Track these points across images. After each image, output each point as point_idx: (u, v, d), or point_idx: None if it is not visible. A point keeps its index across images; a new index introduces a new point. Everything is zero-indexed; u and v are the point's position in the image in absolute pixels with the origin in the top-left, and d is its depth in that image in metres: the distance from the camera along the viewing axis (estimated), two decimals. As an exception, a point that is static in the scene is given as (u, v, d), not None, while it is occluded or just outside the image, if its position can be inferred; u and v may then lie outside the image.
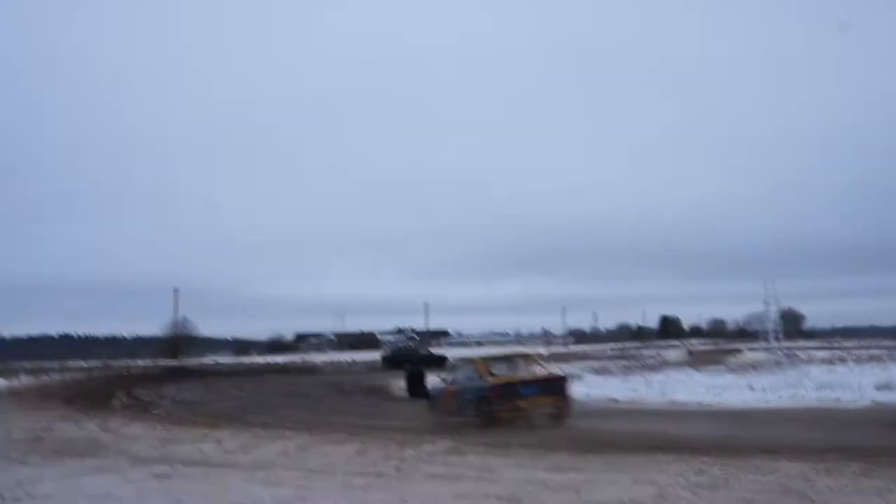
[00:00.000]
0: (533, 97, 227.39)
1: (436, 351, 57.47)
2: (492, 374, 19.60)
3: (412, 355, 61.49)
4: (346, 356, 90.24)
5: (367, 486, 11.13)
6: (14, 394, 30.78)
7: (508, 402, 18.46)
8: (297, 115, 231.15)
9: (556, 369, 23.88)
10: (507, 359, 22.69)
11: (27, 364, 46.51)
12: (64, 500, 10.43)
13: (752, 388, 26.76)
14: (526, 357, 23.59)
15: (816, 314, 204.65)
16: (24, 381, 36.90)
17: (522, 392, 18.82)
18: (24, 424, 20.41)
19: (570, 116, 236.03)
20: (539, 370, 21.50)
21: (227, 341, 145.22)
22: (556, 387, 19.70)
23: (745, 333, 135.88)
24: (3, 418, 22.59)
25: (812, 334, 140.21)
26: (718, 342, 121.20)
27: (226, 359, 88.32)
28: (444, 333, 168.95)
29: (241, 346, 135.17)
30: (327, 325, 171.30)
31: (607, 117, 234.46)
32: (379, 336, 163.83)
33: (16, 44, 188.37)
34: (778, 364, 41.58)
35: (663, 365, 50.08)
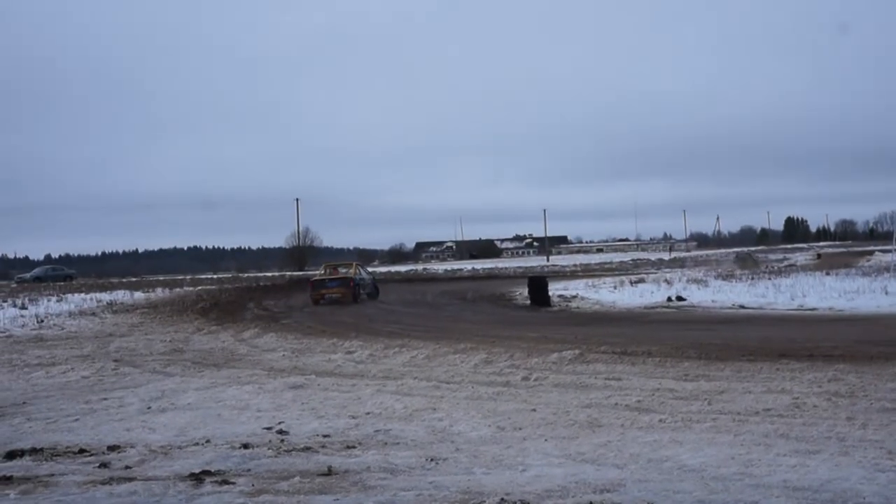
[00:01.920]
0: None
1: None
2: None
3: None
4: (467, 264, 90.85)
5: (496, 396, 11.25)
6: (151, 306, 32.06)
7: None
8: (415, 25, 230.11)
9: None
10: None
11: (161, 277, 48.14)
12: (207, 411, 10.86)
13: (886, 293, 25.82)
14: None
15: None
16: (160, 294, 38.39)
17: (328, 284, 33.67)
18: (163, 337, 21.31)
19: (695, 15, 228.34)
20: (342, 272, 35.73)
21: (350, 251, 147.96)
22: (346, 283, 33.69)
23: (876, 234, 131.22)
24: (143, 331, 23.61)
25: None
26: (848, 244, 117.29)
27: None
28: (564, 239, 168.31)
29: (364, 256, 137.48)
30: (447, 234, 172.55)
31: (733, 15, 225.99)
32: (498, 243, 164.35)
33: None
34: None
35: (791, 269, 48.84)
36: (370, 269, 48.21)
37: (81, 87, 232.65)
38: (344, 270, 36.33)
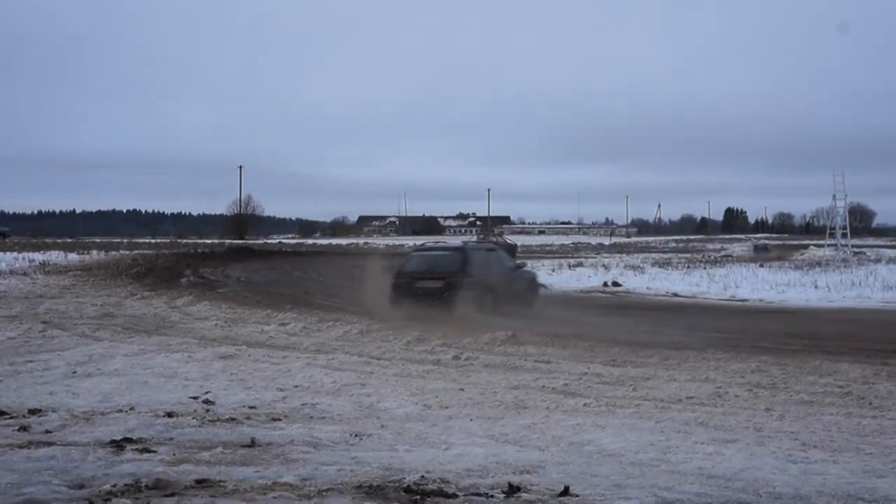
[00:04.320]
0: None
1: (509, 239, 56.67)
2: None
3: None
4: (408, 240, 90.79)
5: (426, 374, 11.31)
6: (85, 269, 31.50)
7: None
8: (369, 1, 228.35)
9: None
10: None
11: (98, 239, 47.36)
12: (133, 378, 10.76)
13: (816, 287, 26.47)
14: None
15: (887, 211, 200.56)
16: (95, 256, 37.76)
17: None
18: (95, 301, 20.97)
19: (645, 7, 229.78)
20: None
21: (292, 221, 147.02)
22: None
23: (811, 229, 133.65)
24: (75, 293, 23.23)
25: (882, 232, 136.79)
26: (784, 237, 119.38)
27: (290, 239, 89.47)
28: (506, 220, 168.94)
29: (306, 227, 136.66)
30: (390, 209, 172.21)
31: (681, 7, 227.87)
32: (441, 221, 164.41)
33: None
34: (844, 262, 40.94)
35: (726, 260, 49.62)
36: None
37: (27, 43, 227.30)
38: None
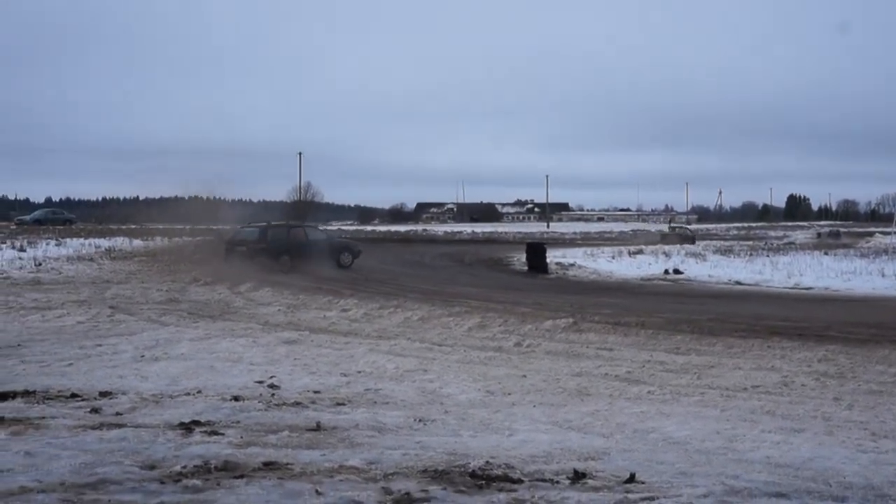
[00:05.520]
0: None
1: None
2: None
3: None
4: (467, 227, 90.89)
5: (488, 360, 11.32)
6: (150, 255, 32.11)
7: None
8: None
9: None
10: None
11: (160, 225, 48.14)
12: (200, 362, 10.94)
13: (883, 275, 25.89)
14: None
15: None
16: (159, 242, 38.40)
17: None
18: (160, 286, 21.36)
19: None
20: None
21: (351, 208, 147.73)
22: None
23: (877, 216, 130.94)
24: (140, 279, 23.67)
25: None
26: (849, 224, 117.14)
27: (349, 226, 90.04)
28: (565, 207, 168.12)
29: (365, 214, 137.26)
30: (449, 195, 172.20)
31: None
32: (499, 207, 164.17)
33: None
34: (913, 250, 40.01)
35: (790, 247, 48.87)
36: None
37: (88, 33, 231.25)
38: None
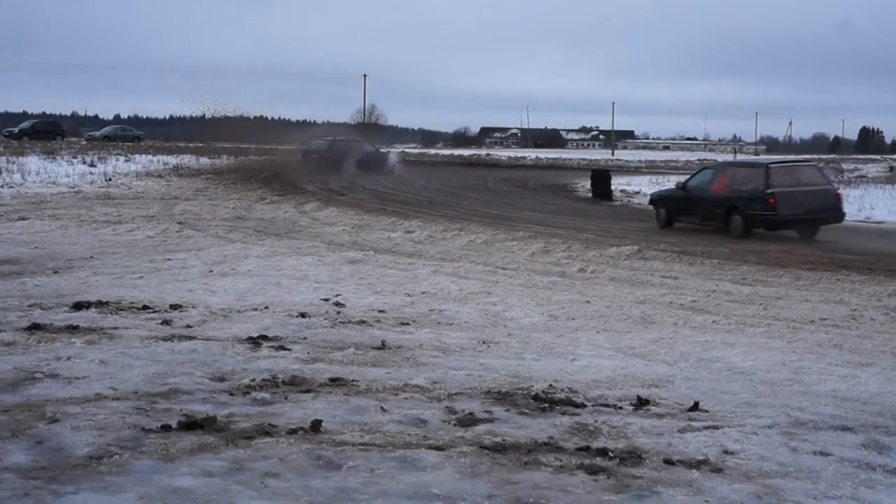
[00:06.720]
0: None
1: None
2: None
3: None
4: (531, 153, 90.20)
5: (551, 285, 11.31)
6: (216, 173, 32.47)
7: None
8: None
9: None
10: None
11: (226, 144, 48.61)
12: (266, 279, 11.10)
13: (959, 211, 25.21)
14: None
15: None
16: (225, 161, 38.77)
17: None
18: (226, 203, 21.64)
19: None
20: None
21: (414, 132, 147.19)
22: None
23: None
24: (207, 196, 23.97)
25: None
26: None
27: (413, 149, 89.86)
28: (630, 134, 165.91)
29: (428, 137, 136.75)
30: (513, 121, 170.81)
31: None
32: (564, 134, 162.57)
33: None
34: None
35: (861, 180, 47.71)
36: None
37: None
38: None
